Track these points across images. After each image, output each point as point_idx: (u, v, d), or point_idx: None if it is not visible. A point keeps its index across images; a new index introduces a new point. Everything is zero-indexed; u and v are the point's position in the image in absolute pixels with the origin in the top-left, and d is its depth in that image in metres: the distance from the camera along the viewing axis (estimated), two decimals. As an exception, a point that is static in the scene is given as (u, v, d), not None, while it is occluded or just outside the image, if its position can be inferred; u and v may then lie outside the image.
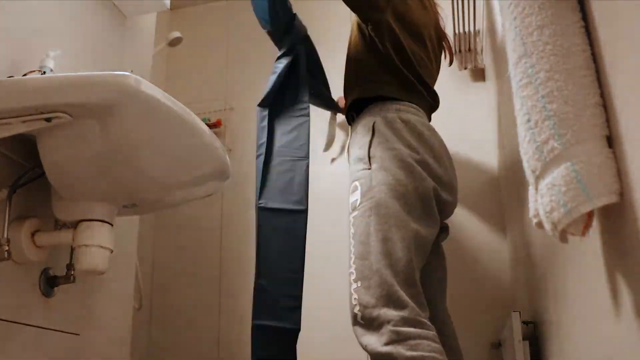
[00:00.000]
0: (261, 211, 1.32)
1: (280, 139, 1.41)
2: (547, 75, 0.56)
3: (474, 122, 1.86)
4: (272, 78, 1.45)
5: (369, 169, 1.15)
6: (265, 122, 1.42)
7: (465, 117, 1.87)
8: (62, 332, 1.17)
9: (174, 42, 1.97)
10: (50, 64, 1.10)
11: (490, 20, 1.59)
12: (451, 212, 1.29)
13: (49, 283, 1.14)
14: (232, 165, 1.24)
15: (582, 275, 0.67)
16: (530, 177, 0.60)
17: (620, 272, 0.53)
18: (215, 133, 1.93)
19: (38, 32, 1.19)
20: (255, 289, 1.27)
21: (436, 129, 1.29)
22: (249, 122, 2.14)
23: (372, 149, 1.17)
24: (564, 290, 0.79)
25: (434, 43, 1.42)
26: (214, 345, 1.93)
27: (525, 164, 0.61)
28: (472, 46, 1.80)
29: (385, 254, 1.05)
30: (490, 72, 1.77)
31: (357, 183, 1.16)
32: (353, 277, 1.06)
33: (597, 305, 0.61)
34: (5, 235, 1.02)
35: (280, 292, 1.26)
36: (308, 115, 1.44)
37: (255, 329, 1.23)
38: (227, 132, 2.15)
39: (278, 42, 1.54)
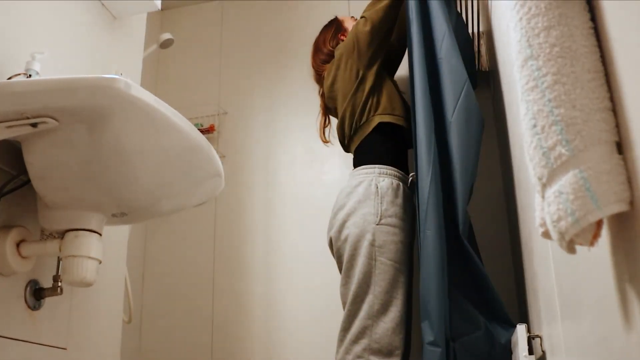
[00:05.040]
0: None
1: None
2: (554, 78, 0.55)
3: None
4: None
5: None
6: None
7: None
8: (49, 346, 1.14)
9: (165, 44, 1.94)
10: (37, 66, 1.08)
11: (493, 21, 1.57)
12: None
13: (35, 295, 1.11)
14: (225, 172, 1.22)
15: (590, 286, 0.65)
16: (536, 185, 0.58)
17: (631, 283, 0.51)
18: (208, 139, 1.90)
19: (24, 34, 1.16)
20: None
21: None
22: (243, 127, 2.12)
23: None
24: (572, 302, 0.77)
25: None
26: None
27: (531, 171, 0.59)
28: (475, 48, 1.78)
29: None
30: (493, 75, 1.75)
31: None
32: None
33: (607, 317, 0.59)
34: (-11, 246, 1.00)
35: None
36: None
37: None
38: (221, 138, 2.12)
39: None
